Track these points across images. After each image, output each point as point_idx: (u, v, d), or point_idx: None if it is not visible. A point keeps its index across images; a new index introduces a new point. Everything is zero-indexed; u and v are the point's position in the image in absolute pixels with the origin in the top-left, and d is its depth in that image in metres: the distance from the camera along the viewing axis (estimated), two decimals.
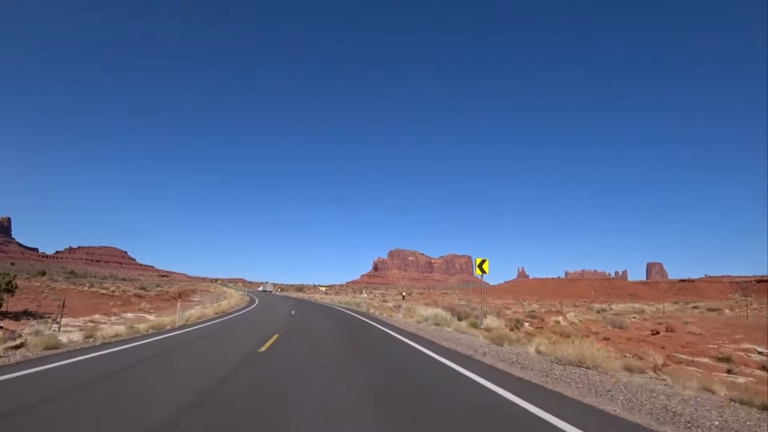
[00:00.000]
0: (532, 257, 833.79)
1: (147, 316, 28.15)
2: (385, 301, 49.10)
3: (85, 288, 38.94)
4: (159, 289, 59.09)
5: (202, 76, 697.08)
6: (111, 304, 32.93)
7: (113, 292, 40.27)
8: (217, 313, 26.55)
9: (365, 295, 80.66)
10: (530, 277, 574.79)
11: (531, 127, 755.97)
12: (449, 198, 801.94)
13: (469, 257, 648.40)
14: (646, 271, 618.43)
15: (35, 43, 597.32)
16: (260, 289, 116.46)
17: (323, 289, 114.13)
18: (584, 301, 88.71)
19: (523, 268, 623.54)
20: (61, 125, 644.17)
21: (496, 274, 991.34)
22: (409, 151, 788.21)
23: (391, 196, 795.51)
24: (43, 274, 78.64)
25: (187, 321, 19.14)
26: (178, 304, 21.63)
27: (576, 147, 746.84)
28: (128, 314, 29.17)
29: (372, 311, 30.79)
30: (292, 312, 28.02)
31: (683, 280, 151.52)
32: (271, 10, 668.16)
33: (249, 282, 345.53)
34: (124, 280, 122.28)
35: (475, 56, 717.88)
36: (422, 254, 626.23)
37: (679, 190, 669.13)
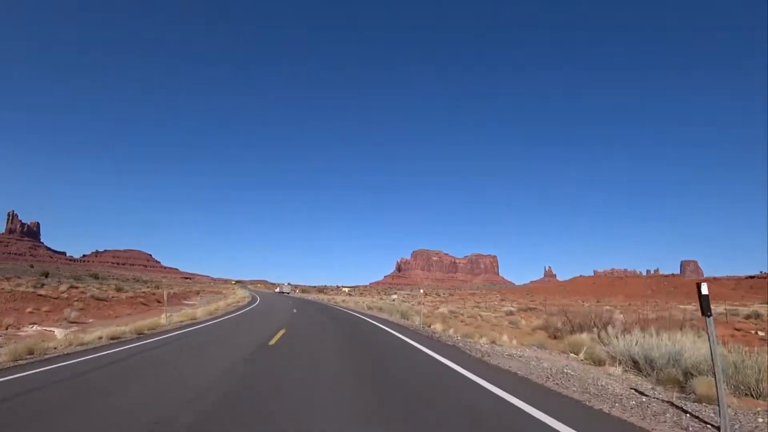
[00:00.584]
0: (558, 256, 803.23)
1: (54, 330, 16.89)
2: (419, 304, 36.78)
3: (21, 288, 28.36)
4: (145, 290, 48.87)
5: (225, 77, 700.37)
6: (29, 310, 21.95)
7: (62, 293, 29.53)
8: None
9: (396, 296, 68.38)
10: (557, 277, 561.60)
11: (557, 128, 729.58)
12: (473, 197, 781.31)
13: (494, 257, 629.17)
14: (681, 269, 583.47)
15: (57, 47, 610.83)
16: (276, 290, 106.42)
17: (346, 290, 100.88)
18: (655, 302, 74.73)
19: (549, 267, 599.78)
20: (88, 130, 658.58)
21: (521, 273, 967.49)
22: (431, 151, 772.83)
23: (414, 195, 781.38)
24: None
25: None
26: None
27: (604, 147, 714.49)
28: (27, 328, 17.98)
29: (434, 327, 17.98)
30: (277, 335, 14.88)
31: (751, 277, 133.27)
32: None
33: (271, 283, 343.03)
34: (136, 281, 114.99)
35: (498, 56, 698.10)
36: (446, 254, 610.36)
37: (713, 187, 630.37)
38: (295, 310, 30.64)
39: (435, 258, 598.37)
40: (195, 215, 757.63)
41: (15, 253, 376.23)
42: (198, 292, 66.40)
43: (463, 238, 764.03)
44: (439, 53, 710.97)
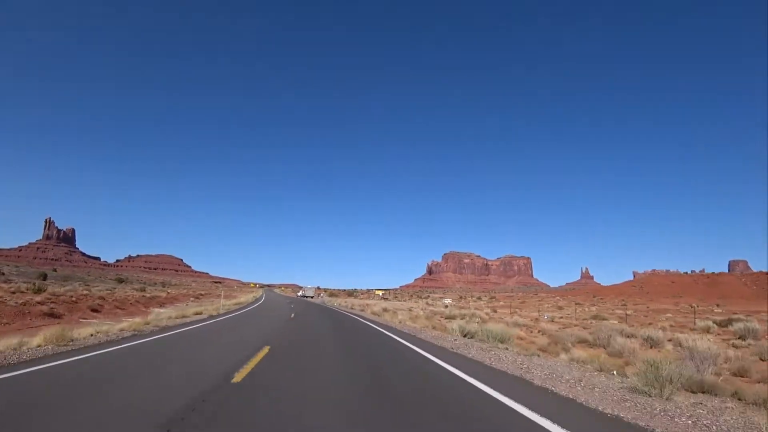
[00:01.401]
0: (594, 257, 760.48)
1: None
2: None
3: None
4: (134, 292, 36.12)
5: (252, 80, 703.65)
6: None
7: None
8: None
9: (449, 301, 53.02)
10: (594, 279, 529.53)
11: (590, 126, 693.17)
12: (505, 197, 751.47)
13: (528, 258, 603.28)
14: (729, 268, 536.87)
15: (94, 53, 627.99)
16: (299, 294, 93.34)
17: (380, 293, 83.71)
18: None
19: (587, 268, 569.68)
20: (122, 136, 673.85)
21: (556, 275, 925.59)
22: (461, 151, 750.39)
23: (444, 197, 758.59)
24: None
25: None
26: None
27: (641, 144, 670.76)
28: None
29: None
30: None
31: None
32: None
33: (299, 286, 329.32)
34: (150, 285, 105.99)
35: (534, 55, 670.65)
36: (478, 256, 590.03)
37: (760, 184, 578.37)
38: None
39: (466, 260, 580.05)
40: (227, 220, 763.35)
41: (52, 259, 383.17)
42: (198, 296, 54.34)
43: (495, 240, 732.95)
44: (476, 51, 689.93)
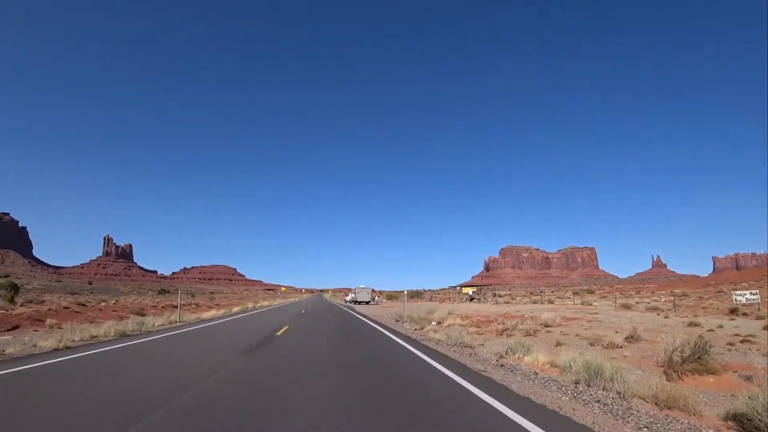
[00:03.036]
0: (666, 244, 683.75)
1: None
2: None
3: None
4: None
5: (296, 82, 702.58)
6: None
7: None
8: None
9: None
10: (668, 267, 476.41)
11: (658, 104, 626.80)
12: (564, 188, 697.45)
13: (592, 249, 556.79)
14: None
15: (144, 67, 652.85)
16: (348, 298, 71.60)
17: (469, 291, 57.72)
18: None
19: (659, 256, 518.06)
20: (171, 155, 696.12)
21: (624, 265, 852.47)
22: (515, 141, 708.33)
23: (500, 190, 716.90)
24: None
25: None
26: None
27: (715, 122, 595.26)
28: None
29: None
30: None
31: None
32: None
33: (352, 290, 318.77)
34: (189, 294, 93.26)
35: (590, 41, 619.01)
36: (537, 249, 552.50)
37: None
38: None
39: (525, 254, 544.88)
40: (279, 227, 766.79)
41: (112, 274, 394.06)
42: (218, 304, 37.48)
43: (555, 232, 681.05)
44: (532, 42, 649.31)
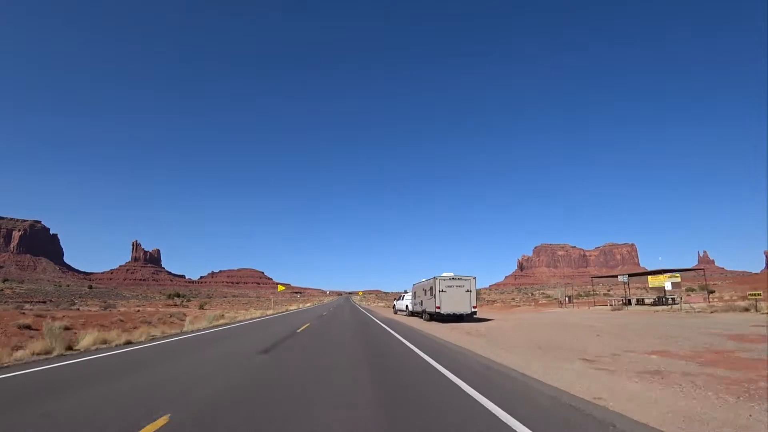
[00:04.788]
0: (714, 238, 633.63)
1: None
2: None
3: None
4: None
5: (328, 85, 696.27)
6: None
7: None
8: None
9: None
10: (715, 263, 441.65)
11: (703, 97, 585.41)
12: (600, 182, 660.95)
13: (632, 245, 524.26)
14: None
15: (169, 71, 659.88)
16: (401, 305, 40.77)
17: (667, 282, 41.67)
18: None
19: (705, 252, 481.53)
20: (198, 159, 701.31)
21: (666, 263, 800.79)
22: (550, 135, 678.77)
23: (533, 188, 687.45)
24: None
25: None
26: None
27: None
28: None
29: None
30: None
31: None
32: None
33: (385, 293, 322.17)
34: (208, 297, 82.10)
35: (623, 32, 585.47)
36: (573, 247, 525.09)
37: None
38: None
39: (561, 252, 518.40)
40: (307, 229, 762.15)
41: (140, 279, 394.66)
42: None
43: (591, 228, 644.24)
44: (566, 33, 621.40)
